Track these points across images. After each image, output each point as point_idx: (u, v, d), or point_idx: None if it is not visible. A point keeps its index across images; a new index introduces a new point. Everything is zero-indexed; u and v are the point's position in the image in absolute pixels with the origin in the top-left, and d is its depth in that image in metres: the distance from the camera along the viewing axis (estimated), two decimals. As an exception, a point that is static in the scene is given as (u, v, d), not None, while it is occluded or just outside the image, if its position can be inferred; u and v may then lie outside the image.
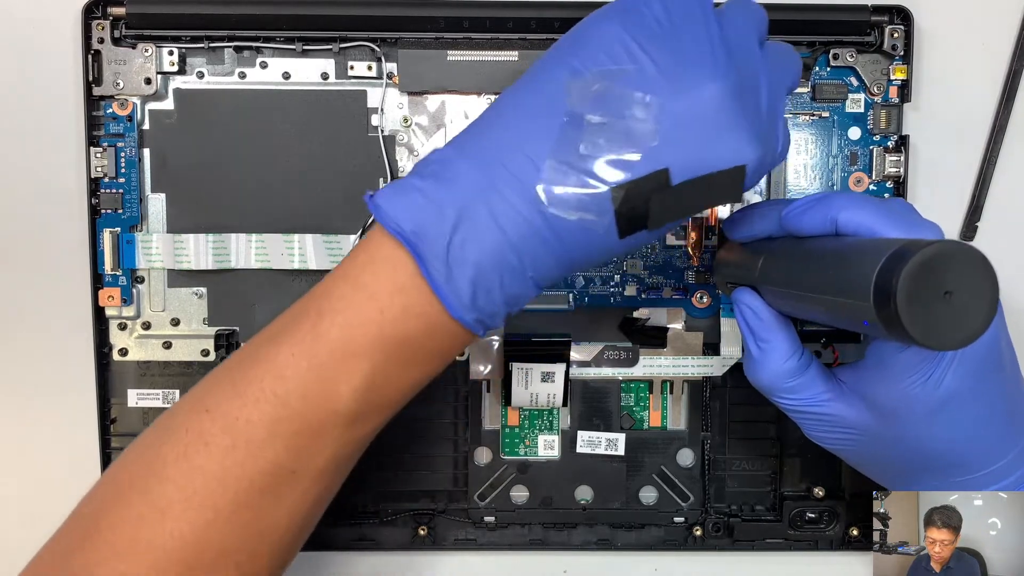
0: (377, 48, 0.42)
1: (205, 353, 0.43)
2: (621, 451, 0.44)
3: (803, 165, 0.43)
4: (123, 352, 0.43)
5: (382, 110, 0.42)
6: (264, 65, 0.42)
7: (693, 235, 0.43)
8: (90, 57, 0.41)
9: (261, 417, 0.31)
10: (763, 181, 0.43)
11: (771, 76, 0.31)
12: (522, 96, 0.30)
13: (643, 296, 0.43)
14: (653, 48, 0.29)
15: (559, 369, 0.42)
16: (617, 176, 0.29)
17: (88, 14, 0.41)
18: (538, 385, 0.42)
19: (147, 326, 0.43)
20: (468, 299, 0.29)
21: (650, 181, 0.29)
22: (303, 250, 0.42)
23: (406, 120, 0.42)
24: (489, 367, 0.43)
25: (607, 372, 0.44)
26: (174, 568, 0.31)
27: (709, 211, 0.43)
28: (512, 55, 0.42)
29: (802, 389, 0.35)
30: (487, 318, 0.30)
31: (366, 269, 0.31)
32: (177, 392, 0.43)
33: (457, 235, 0.29)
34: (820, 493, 0.44)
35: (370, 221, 0.32)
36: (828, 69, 0.43)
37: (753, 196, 0.43)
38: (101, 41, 0.41)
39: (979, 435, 0.33)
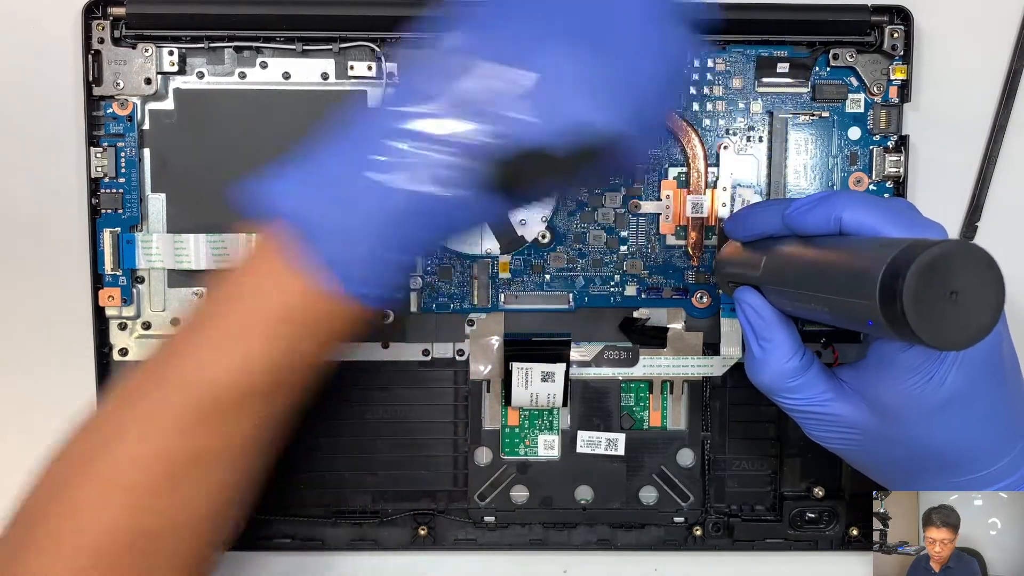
0: (377, 48, 0.42)
1: (205, 353, 0.43)
2: (621, 451, 0.44)
3: (803, 165, 0.43)
4: (123, 352, 0.43)
5: (382, 110, 0.42)
6: (264, 65, 0.42)
7: (693, 235, 0.43)
8: (90, 57, 0.41)
9: (176, 400, 0.32)
10: (763, 181, 0.43)
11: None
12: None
13: (643, 296, 0.43)
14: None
15: (559, 369, 0.42)
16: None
17: (88, 14, 0.41)
18: (538, 385, 0.42)
19: (147, 326, 0.43)
20: (358, 274, 0.31)
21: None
22: (303, 250, 0.42)
23: (406, 120, 0.42)
24: (489, 367, 0.43)
25: (607, 372, 0.44)
26: (104, 555, 0.32)
27: (709, 209, 0.43)
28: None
29: (804, 389, 0.35)
30: (380, 289, 0.32)
31: (259, 258, 0.32)
32: (177, 392, 0.43)
33: (337, 213, 0.30)
34: (820, 493, 0.44)
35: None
36: (828, 69, 0.43)
37: (753, 196, 0.43)
38: (101, 41, 0.41)
39: (980, 435, 0.33)
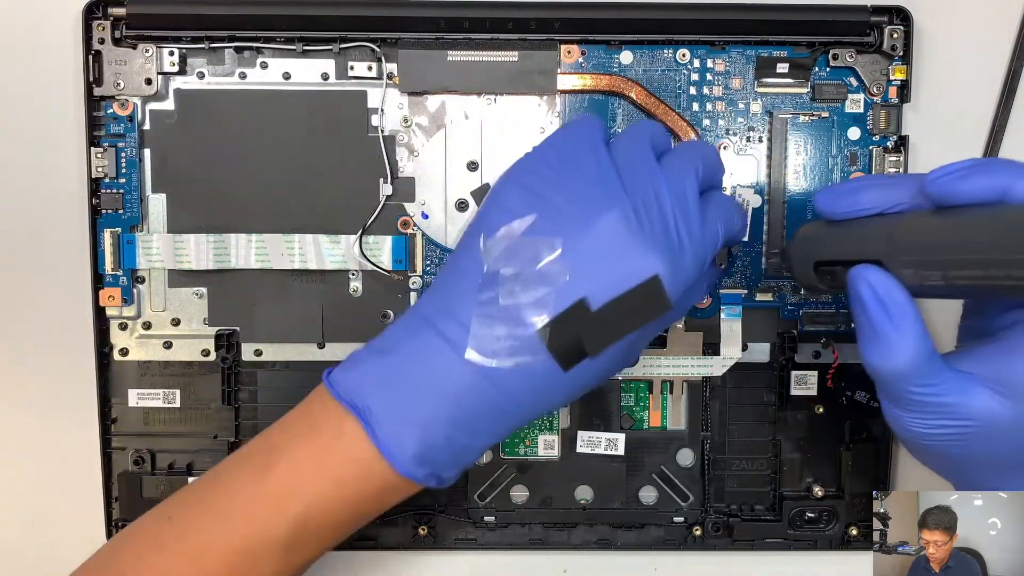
0: (377, 48, 0.42)
1: (205, 353, 0.43)
2: (621, 451, 0.44)
3: (803, 165, 0.43)
4: (123, 352, 0.43)
5: (382, 110, 0.42)
6: (264, 65, 0.42)
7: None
8: (91, 57, 0.41)
9: (211, 529, 0.34)
10: (763, 181, 0.43)
11: (671, 184, 0.33)
12: (451, 265, 0.34)
13: (643, 296, 0.43)
14: (549, 192, 0.33)
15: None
16: (540, 316, 0.32)
17: (89, 14, 0.41)
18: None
19: (147, 326, 0.43)
20: (413, 458, 0.33)
21: (571, 313, 0.32)
22: (303, 250, 0.42)
23: (406, 120, 0.42)
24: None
25: (607, 372, 0.44)
26: None
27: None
28: (512, 55, 0.42)
29: (938, 372, 0.32)
30: (440, 470, 0.34)
31: (321, 419, 0.34)
32: (177, 392, 0.43)
33: (401, 401, 0.33)
34: (820, 493, 0.44)
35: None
36: (828, 69, 0.43)
37: (753, 196, 0.43)
38: (102, 41, 0.41)
39: None
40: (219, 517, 0.34)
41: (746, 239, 0.42)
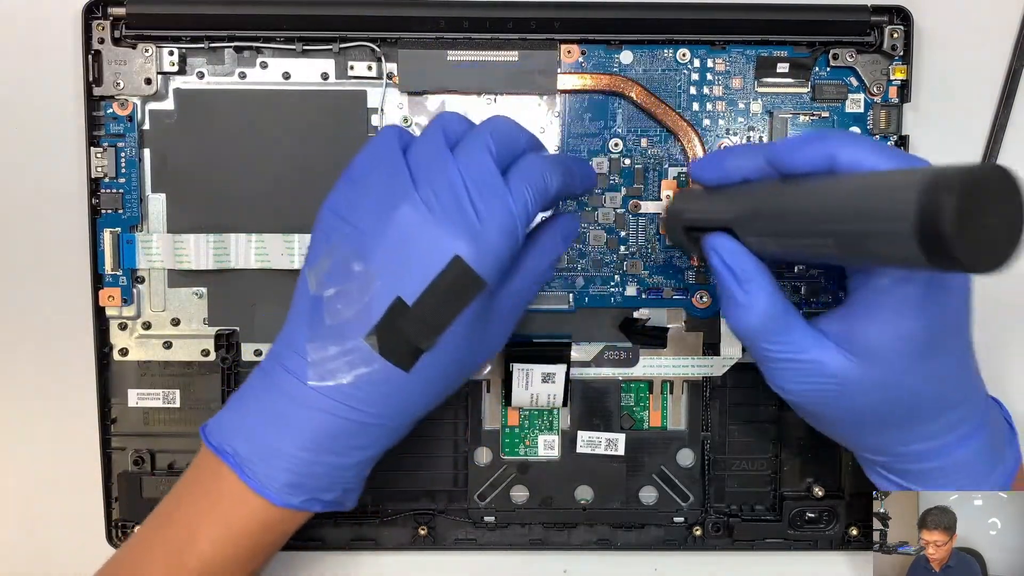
0: (377, 48, 0.42)
1: (205, 353, 0.43)
2: (621, 451, 0.44)
3: (803, 165, 0.43)
4: (123, 352, 0.43)
5: (382, 110, 0.42)
6: (264, 65, 0.42)
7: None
8: (90, 57, 0.41)
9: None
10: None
11: (464, 165, 0.33)
12: (293, 302, 0.36)
13: (643, 296, 0.43)
14: (352, 208, 0.34)
15: (559, 370, 0.42)
16: (365, 325, 0.33)
17: (88, 14, 0.41)
18: (539, 386, 0.42)
19: (147, 326, 0.43)
20: (285, 487, 0.34)
21: (391, 314, 0.32)
22: (303, 250, 0.42)
23: (406, 120, 0.42)
24: (489, 367, 0.43)
25: (607, 372, 0.44)
26: None
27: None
28: (512, 55, 0.42)
29: (790, 331, 0.34)
30: (318, 494, 0.35)
31: (201, 482, 0.36)
32: (177, 392, 0.43)
33: (262, 437, 0.35)
34: (820, 493, 0.44)
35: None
36: (828, 69, 0.43)
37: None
38: (101, 41, 0.41)
39: (953, 379, 0.34)
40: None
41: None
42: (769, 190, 0.33)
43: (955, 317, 0.33)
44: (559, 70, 0.42)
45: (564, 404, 0.42)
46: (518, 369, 0.42)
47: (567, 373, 0.42)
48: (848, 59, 0.42)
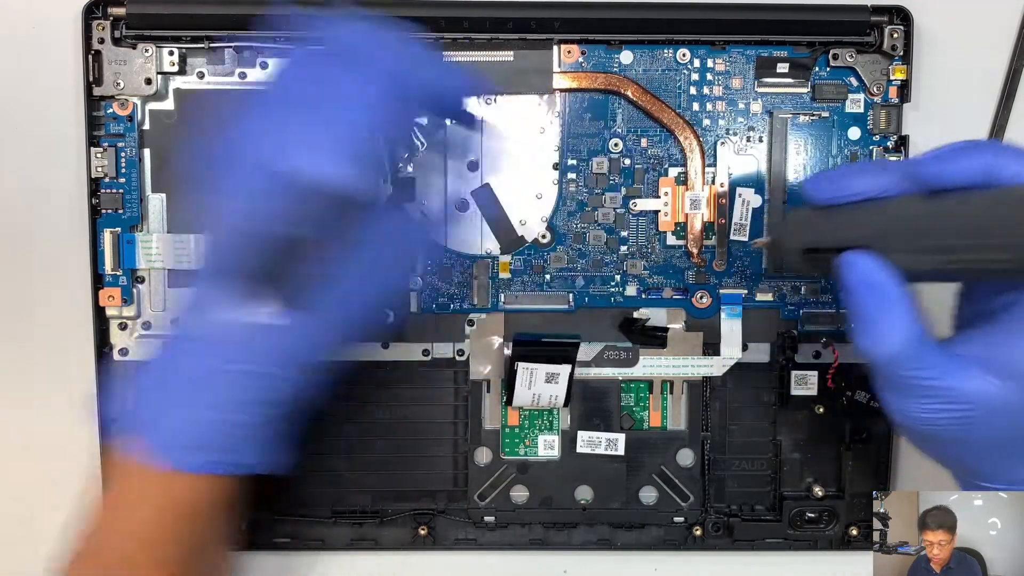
0: (377, 48, 0.42)
1: (205, 353, 0.43)
2: (621, 451, 0.44)
3: (803, 165, 0.43)
4: (123, 352, 0.43)
5: (382, 110, 0.42)
6: (264, 65, 0.42)
7: (696, 231, 0.43)
8: (90, 57, 0.41)
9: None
10: (764, 182, 0.43)
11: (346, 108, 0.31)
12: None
13: (643, 296, 0.43)
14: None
15: (564, 370, 0.42)
16: (228, 270, 0.33)
17: (88, 14, 0.41)
18: (541, 386, 0.42)
19: (147, 326, 0.43)
20: (186, 449, 0.33)
21: (248, 252, 0.32)
22: (303, 250, 0.42)
23: (406, 120, 0.42)
24: (489, 367, 0.43)
25: (607, 372, 0.44)
26: None
27: (707, 207, 0.43)
28: (508, 55, 0.42)
29: (930, 355, 0.31)
30: (227, 456, 0.34)
31: (111, 477, 0.35)
32: (177, 392, 0.43)
33: (157, 406, 0.34)
34: (820, 493, 0.44)
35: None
36: (828, 69, 0.43)
37: (752, 196, 0.43)
38: (101, 41, 0.41)
39: None
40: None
41: (745, 237, 0.42)
42: (921, 205, 0.31)
43: None
44: (556, 69, 0.42)
45: (565, 405, 0.42)
46: (523, 368, 0.41)
47: (571, 374, 0.42)
48: (848, 59, 0.42)
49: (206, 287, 0.33)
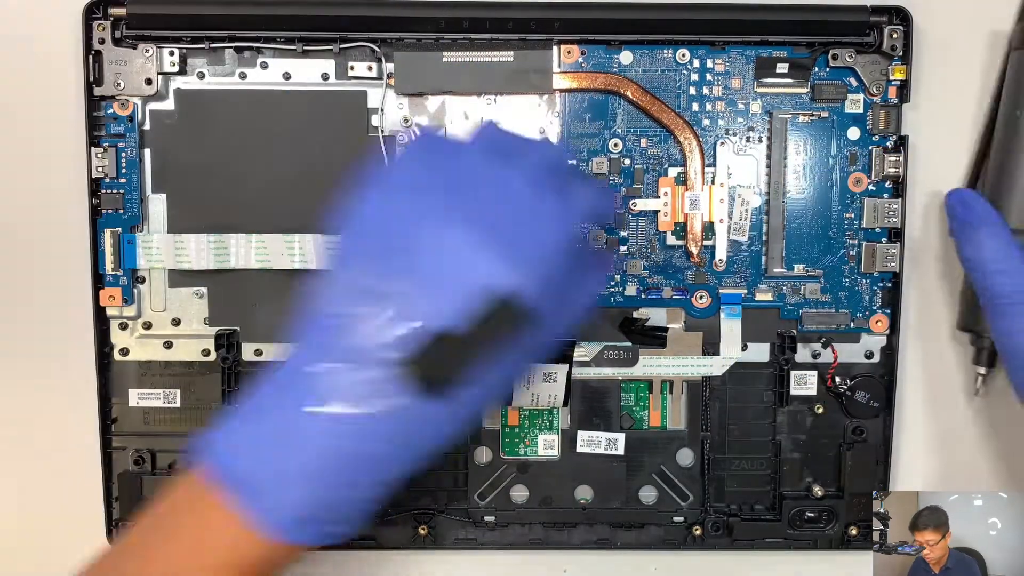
0: (377, 48, 0.42)
1: (206, 353, 0.43)
2: (621, 451, 0.44)
3: (802, 165, 0.43)
4: (124, 352, 0.43)
5: (382, 110, 0.42)
6: (264, 65, 0.42)
7: (696, 233, 0.43)
8: (91, 57, 0.41)
9: None
10: (763, 184, 0.43)
11: (512, 184, 0.31)
12: (309, 311, 0.32)
13: (643, 296, 0.43)
14: (385, 219, 0.31)
15: (562, 370, 0.42)
16: (394, 351, 0.30)
17: (89, 14, 0.41)
18: (540, 385, 0.42)
19: (148, 326, 0.43)
20: (293, 522, 0.30)
21: (425, 342, 0.30)
22: (303, 250, 0.42)
23: (406, 120, 0.42)
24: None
25: (607, 372, 0.44)
26: None
27: (707, 208, 0.43)
28: (507, 55, 0.42)
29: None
30: (326, 528, 0.32)
31: (191, 498, 0.31)
32: (178, 392, 0.43)
33: (273, 465, 0.30)
34: (819, 493, 0.44)
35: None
36: (827, 70, 0.43)
37: (752, 196, 0.43)
38: (102, 41, 0.41)
39: None
40: None
41: (744, 238, 0.42)
42: None
43: None
44: (556, 69, 0.42)
45: (564, 404, 0.42)
46: (518, 369, 0.41)
47: (569, 373, 0.42)
48: (847, 59, 0.42)
49: (349, 360, 0.30)
